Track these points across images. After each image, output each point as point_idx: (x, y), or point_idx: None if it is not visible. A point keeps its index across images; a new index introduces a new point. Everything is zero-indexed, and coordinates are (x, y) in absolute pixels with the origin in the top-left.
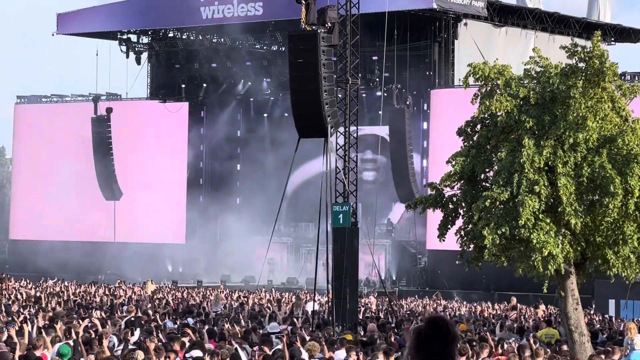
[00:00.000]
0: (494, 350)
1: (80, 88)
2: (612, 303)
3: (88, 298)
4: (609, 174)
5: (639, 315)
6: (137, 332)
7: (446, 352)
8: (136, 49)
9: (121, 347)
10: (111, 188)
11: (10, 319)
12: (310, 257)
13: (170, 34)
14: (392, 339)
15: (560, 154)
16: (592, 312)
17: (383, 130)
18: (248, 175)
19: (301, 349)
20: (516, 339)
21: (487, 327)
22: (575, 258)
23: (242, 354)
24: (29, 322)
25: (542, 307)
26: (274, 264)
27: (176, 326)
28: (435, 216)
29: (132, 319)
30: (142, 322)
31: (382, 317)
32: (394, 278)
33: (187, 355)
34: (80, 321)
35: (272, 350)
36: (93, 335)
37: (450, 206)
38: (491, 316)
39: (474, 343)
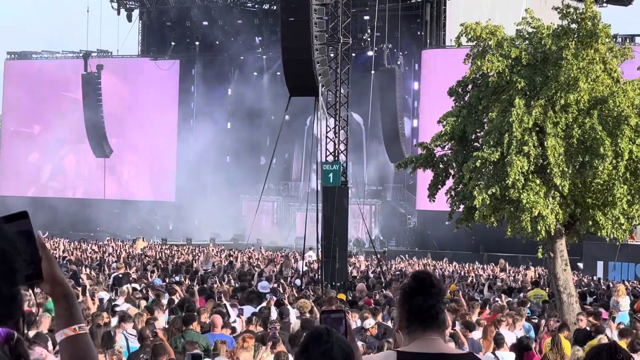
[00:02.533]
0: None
1: (70, 44)
2: (600, 265)
3: (78, 255)
4: (599, 135)
5: (626, 277)
6: (126, 289)
7: (430, 306)
8: (127, 5)
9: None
10: (101, 145)
11: None
12: (300, 215)
13: None
14: (377, 298)
15: (550, 114)
16: (580, 273)
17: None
18: (238, 134)
19: (289, 307)
20: (503, 299)
21: (476, 288)
22: (564, 219)
23: (231, 311)
24: None
25: (532, 269)
26: (263, 223)
27: (165, 283)
28: (425, 176)
29: (120, 275)
30: (131, 279)
31: (370, 276)
32: (382, 238)
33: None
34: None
35: (259, 307)
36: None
37: (441, 166)
38: (480, 277)
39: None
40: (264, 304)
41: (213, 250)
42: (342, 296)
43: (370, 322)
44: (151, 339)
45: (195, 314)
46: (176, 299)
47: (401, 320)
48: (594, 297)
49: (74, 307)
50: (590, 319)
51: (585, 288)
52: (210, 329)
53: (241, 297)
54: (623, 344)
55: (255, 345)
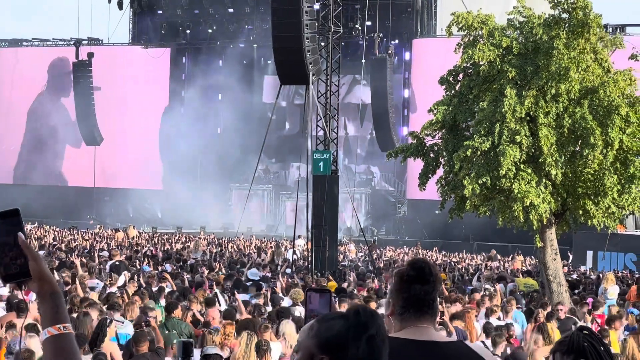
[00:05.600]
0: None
1: (61, 32)
2: (589, 254)
3: (69, 243)
4: (590, 125)
5: (615, 267)
6: (123, 277)
7: (428, 294)
8: None
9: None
10: (92, 133)
11: None
12: (290, 204)
13: None
14: (375, 286)
15: (542, 104)
16: (569, 264)
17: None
18: (229, 122)
19: (281, 295)
20: (491, 286)
21: (466, 278)
22: (556, 209)
23: (221, 299)
24: None
25: (520, 257)
26: (253, 211)
27: (156, 272)
28: (415, 165)
29: (117, 263)
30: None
31: (360, 265)
32: (372, 227)
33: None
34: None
35: (249, 296)
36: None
37: (432, 155)
38: (470, 266)
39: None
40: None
41: (203, 238)
42: (332, 284)
43: None
44: (145, 327)
45: (178, 302)
46: (166, 287)
47: (394, 307)
48: (582, 286)
49: (61, 306)
50: (561, 307)
51: (575, 276)
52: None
53: (231, 285)
54: (613, 333)
55: (249, 334)
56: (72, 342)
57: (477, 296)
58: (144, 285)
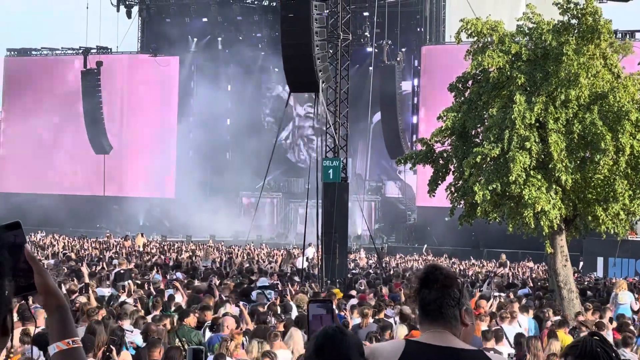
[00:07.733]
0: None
1: (70, 41)
2: (600, 261)
3: (78, 252)
4: (600, 130)
5: (627, 274)
6: (127, 284)
7: (432, 299)
8: (127, 2)
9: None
10: (101, 142)
11: None
12: (300, 212)
13: None
14: (384, 294)
15: (551, 110)
16: (580, 271)
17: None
18: (238, 130)
19: (291, 303)
20: (499, 295)
21: (475, 285)
22: (566, 215)
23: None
24: None
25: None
26: (263, 219)
27: (166, 280)
28: (425, 172)
29: (122, 271)
30: (133, 275)
31: (371, 272)
32: (382, 235)
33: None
34: (75, 279)
35: (264, 304)
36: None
37: (441, 162)
38: (479, 273)
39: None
40: (265, 301)
41: (213, 247)
42: (337, 291)
43: None
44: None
45: (190, 309)
46: (177, 295)
47: (415, 313)
48: (594, 293)
49: (68, 319)
50: (589, 315)
51: (586, 284)
52: (221, 329)
53: (240, 293)
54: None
55: (259, 342)
56: (81, 356)
57: (485, 303)
58: (154, 293)
